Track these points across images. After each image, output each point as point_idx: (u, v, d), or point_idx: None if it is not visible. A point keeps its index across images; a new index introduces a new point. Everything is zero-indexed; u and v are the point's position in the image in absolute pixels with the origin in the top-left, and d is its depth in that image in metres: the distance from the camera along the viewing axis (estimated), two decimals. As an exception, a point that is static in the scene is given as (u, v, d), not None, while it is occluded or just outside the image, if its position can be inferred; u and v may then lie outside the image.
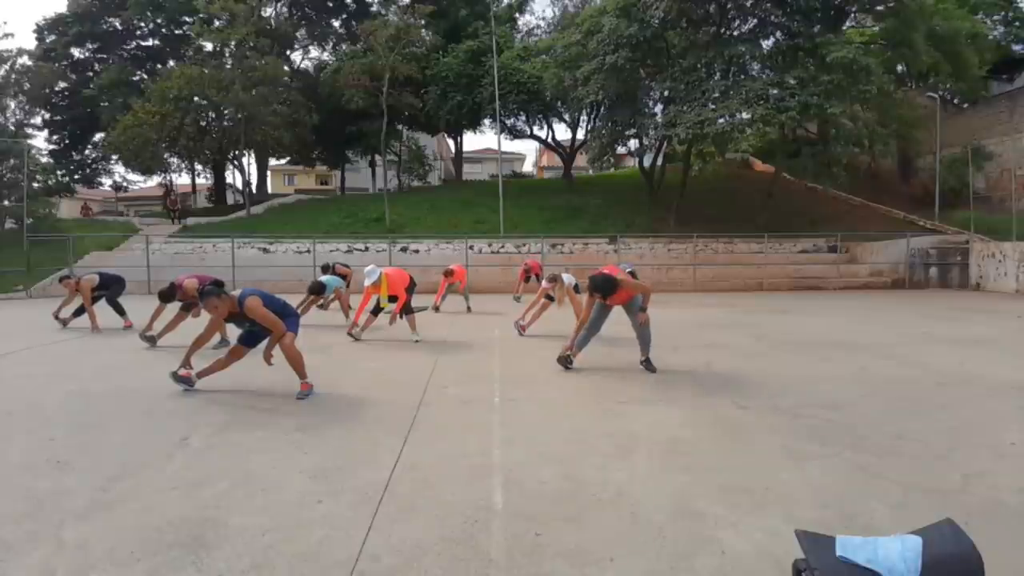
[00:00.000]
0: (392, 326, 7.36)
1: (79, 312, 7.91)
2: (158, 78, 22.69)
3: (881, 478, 2.66)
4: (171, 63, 25.84)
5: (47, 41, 25.93)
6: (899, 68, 19.78)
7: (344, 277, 9.44)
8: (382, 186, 24.39)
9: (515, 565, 1.96)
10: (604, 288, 4.76)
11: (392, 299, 6.73)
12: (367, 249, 16.36)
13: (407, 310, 6.71)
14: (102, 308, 7.85)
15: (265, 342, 4.43)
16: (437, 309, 9.69)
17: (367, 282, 6.53)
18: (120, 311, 7.93)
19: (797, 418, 3.60)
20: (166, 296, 6.27)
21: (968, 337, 6.89)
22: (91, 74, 26.39)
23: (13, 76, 21.84)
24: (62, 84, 25.83)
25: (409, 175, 27.63)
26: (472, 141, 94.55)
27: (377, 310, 6.81)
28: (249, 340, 4.39)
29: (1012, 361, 5.38)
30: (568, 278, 7.09)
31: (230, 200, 30.12)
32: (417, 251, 16.40)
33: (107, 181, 29.94)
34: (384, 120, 20.47)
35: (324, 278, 8.42)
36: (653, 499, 2.45)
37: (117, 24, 26.27)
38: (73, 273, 9.92)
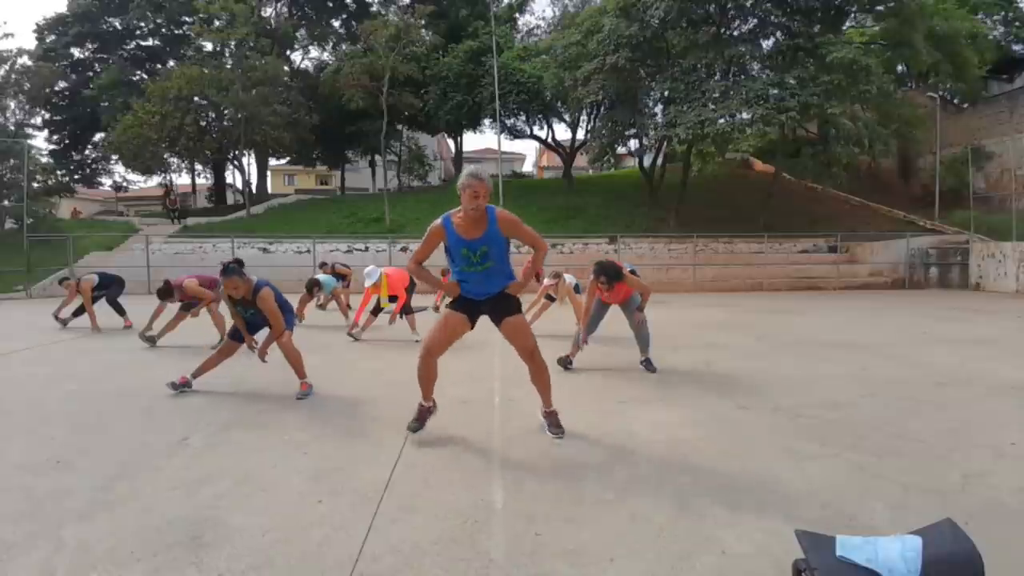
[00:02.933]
0: (392, 326, 7.36)
1: (79, 312, 7.92)
2: (158, 78, 22.71)
3: (881, 478, 2.66)
4: (171, 63, 25.86)
5: (47, 41, 25.93)
6: (899, 68, 19.78)
7: (344, 277, 9.45)
8: (382, 186, 24.39)
9: (515, 565, 1.96)
10: (609, 272, 4.73)
11: (392, 299, 6.74)
12: (367, 249, 16.37)
13: (407, 310, 6.72)
14: (102, 308, 7.86)
15: (259, 339, 4.42)
16: (437, 309, 9.69)
17: (367, 283, 6.54)
18: (120, 311, 7.94)
19: (797, 418, 3.60)
20: (163, 293, 6.27)
21: (968, 337, 6.89)
22: (91, 74, 26.40)
23: (13, 76, 21.84)
24: (62, 84, 25.84)
25: (409, 175, 27.64)
26: (472, 141, 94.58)
27: (377, 310, 6.82)
28: (239, 335, 4.36)
29: (1012, 361, 5.38)
30: (569, 278, 7.08)
31: (230, 200, 30.12)
32: (417, 251, 16.38)
33: (107, 181, 29.98)
34: (384, 120, 20.47)
35: (321, 277, 8.43)
36: (653, 499, 2.45)
37: (117, 24, 26.29)
38: (73, 274, 9.92)
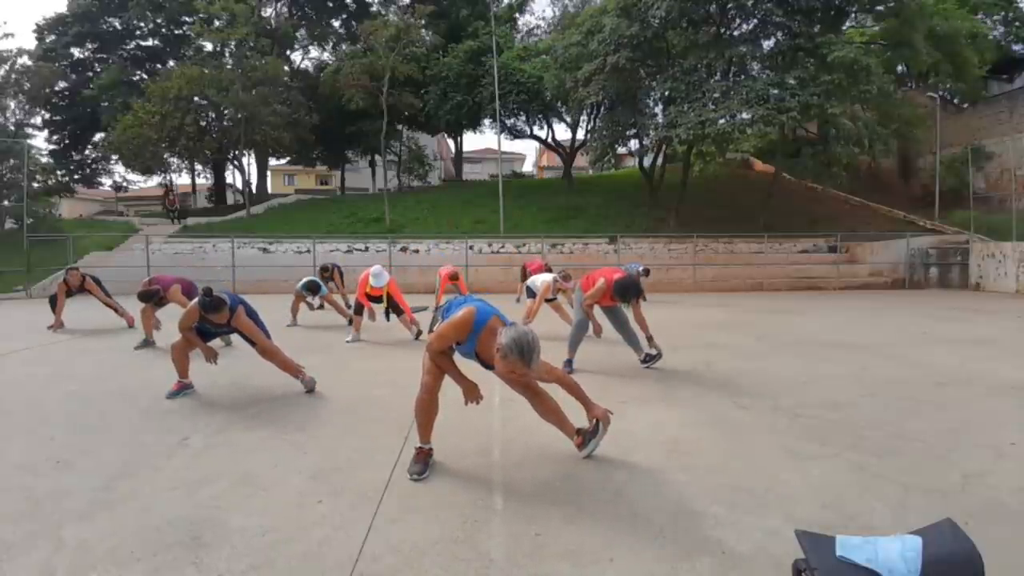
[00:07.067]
0: (390, 325, 7.34)
1: (53, 302, 7.83)
2: (158, 78, 22.69)
3: (881, 478, 2.66)
4: (171, 63, 25.85)
5: (47, 41, 25.90)
6: (899, 68, 19.77)
7: (332, 279, 9.53)
8: (382, 186, 24.39)
9: (515, 565, 1.96)
10: (628, 296, 4.72)
11: (375, 299, 6.77)
12: (367, 249, 16.36)
13: (396, 311, 6.76)
14: (100, 310, 7.89)
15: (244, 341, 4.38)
16: (437, 309, 9.65)
17: (378, 283, 6.56)
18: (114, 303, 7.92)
19: (797, 418, 3.60)
20: (146, 297, 6.20)
21: (968, 337, 6.89)
22: (91, 74, 26.37)
23: (13, 76, 21.83)
24: (62, 84, 25.80)
25: (409, 175, 27.62)
26: (472, 141, 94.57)
27: (360, 310, 6.79)
28: (205, 335, 4.33)
29: (1012, 361, 5.38)
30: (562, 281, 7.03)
31: (230, 200, 30.11)
32: (417, 251, 16.40)
33: (107, 181, 29.96)
34: (384, 120, 20.47)
35: (314, 280, 8.53)
36: (653, 499, 2.45)
37: (117, 24, 26.26)
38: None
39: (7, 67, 21.55)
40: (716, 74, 16.48)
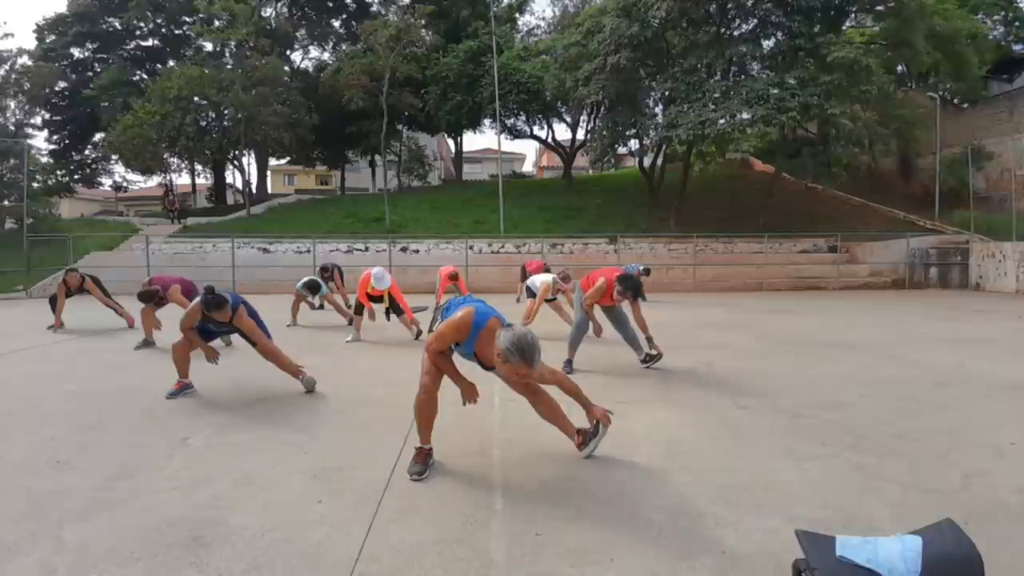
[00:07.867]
0: (389, 324, 7.35)
1: (52, 301, 7.84)
2: (158, 78, 22.70)
3: (881, 478, 2.66)
4: (171, 63, 25.84)
5: (47, 41, 25.91)
6: (899, 68, 19.78)
7: (333, 279, 9.55)
8: (382, 186, 24.39)
9: (515, 565, 1.96)
10: (633, 290, 4.74)
11: (376, 299, 6.77)
12: (367, 249, 16.36)
13: (397, 311, 6.77)
14: (101, 309, 7.90)
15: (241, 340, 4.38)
16: (437, 309, 9.63)
17: (380, 285, 6.54)
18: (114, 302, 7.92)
19: (797, 418, 3.60)
20: (147, 297, 6.20)
21: (968, 337, 6.89)
22: (91, 74, 26.37)
23: (13, 76, 21.85)
24: (62, 84, 25.82)
25: (409, 175, 27.63)
26: (472, 141, 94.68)
27: (360, 310, 6.78)
28: (206, 335, 4.33)
29: (1012, 361, 5.38)
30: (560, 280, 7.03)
31: (230, 200, 30.10)
32: (417, 251, 16.40)
33: (107, 181, 29.96)
34: (384, 120, 20.47)
35: (315, 279, 8.56)
36: (653, 499, 2.45)
37: (117, 24, 26.26)
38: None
39: (7, 67, 21.59)
40: (716, 74, 16.48)
